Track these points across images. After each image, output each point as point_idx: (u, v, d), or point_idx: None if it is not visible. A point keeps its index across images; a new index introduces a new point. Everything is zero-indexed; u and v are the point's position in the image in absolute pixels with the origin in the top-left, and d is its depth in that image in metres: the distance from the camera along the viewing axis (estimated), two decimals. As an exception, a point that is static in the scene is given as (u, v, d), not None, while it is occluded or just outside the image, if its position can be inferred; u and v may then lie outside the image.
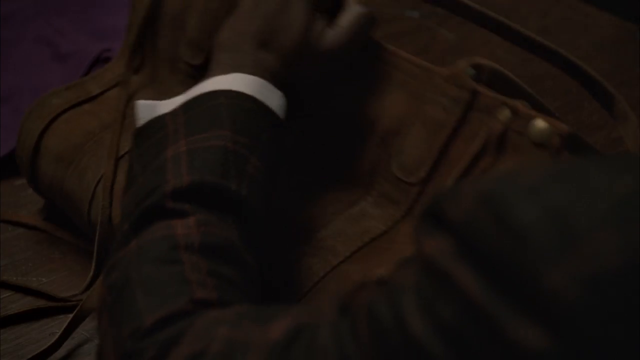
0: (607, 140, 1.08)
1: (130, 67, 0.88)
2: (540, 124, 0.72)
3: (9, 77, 1.09)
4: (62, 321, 0.83)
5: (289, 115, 0.75)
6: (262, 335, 0.56)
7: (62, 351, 0.81)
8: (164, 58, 0.87)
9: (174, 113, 0.72)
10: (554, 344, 0.44)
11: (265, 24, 0.76)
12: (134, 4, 0.88)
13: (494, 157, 0.74)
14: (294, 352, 0.54)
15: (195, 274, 0.61)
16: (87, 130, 0.88)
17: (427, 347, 0.47)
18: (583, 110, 1.13)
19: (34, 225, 0.93)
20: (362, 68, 0.80)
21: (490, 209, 0.47)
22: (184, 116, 0.71)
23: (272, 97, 0.73)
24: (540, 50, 0.80)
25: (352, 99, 0.81)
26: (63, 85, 0.91)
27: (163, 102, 0.74)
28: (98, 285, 0.69)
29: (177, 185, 0.66)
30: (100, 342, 0.62)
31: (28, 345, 0.82)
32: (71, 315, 0.81)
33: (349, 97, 0.81)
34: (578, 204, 0.45)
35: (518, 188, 0.47)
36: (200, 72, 0.81)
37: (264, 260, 0.68)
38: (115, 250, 0.65)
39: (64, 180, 0.87)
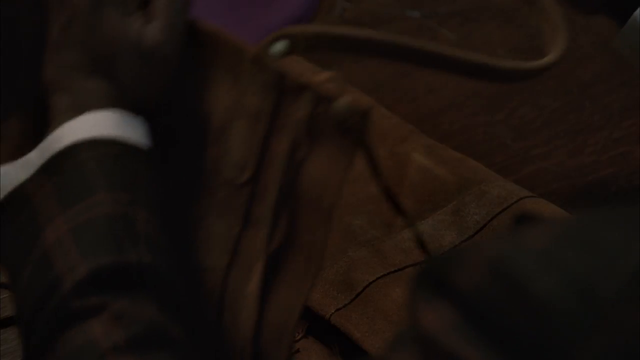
0: (608, 140, 1.08)
1: None
2: (341, 103, 0.64)
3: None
4: (63, 321, 0.83)
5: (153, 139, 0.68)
6: None
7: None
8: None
9: (35, 182, 0.63)
10: None
11: (83, 48, 0.66)
12: None
13: (307, 147, 0.66)
14: None
15: None
16: None
17: None
18: (584, 110, 1.12)
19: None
20: (190, 58, 0.71)
21: (502, 277, 0.43)
22: (49, 184, 0.63)
23: (132, 128, 0.65)
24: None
25: (187, 98, 0.71)
26: None
27: (13, 164, 0.64)
28: None
29: (74, 279, 0.59)
30: None
31: (28, 345, 0.82)
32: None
33: (184, 96, 0.71)
34: (599, 271, 0.42)
35: (530, 253, 0.43)
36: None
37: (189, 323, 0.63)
38: None
39: None
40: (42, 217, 0.62)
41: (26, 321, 0.60)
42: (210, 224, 0.70)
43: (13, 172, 0.64)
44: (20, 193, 0.63)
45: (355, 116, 0.64)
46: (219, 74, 0.70)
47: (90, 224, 0.61)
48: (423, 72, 1.21)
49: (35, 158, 0.64)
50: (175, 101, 0.71)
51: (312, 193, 0.67)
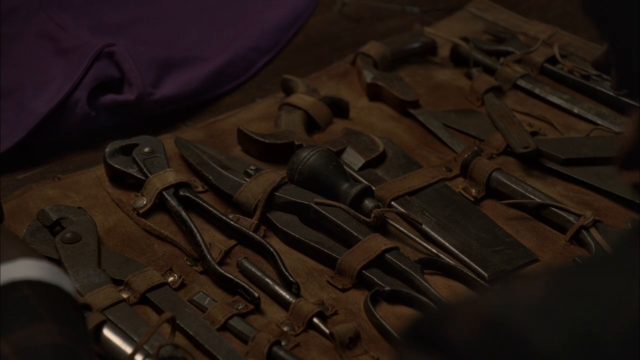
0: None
1: None
2: None
3: (11, 71, 1.10)
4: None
5: None
6: None
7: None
8: None
9: None
10: None
11: None
12: None
13: None
14: None
15: None
16: None
17: None
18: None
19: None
20: None
21: (501, 334, 0.41)
22: None
23: (66, 281, 0.67)
24: None
25: None
26: None
27: None
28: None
29: None
30: None
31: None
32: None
33: None
34: (599, 319, 0.40)
35: (525, 309, 0.41)
36: None
37: None
38: None
39: None
40: None
41: None
42: None
43: None
44: None
45: None
46: None
47: (37, 350, 0.62)
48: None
49: None
50: None
51: None
